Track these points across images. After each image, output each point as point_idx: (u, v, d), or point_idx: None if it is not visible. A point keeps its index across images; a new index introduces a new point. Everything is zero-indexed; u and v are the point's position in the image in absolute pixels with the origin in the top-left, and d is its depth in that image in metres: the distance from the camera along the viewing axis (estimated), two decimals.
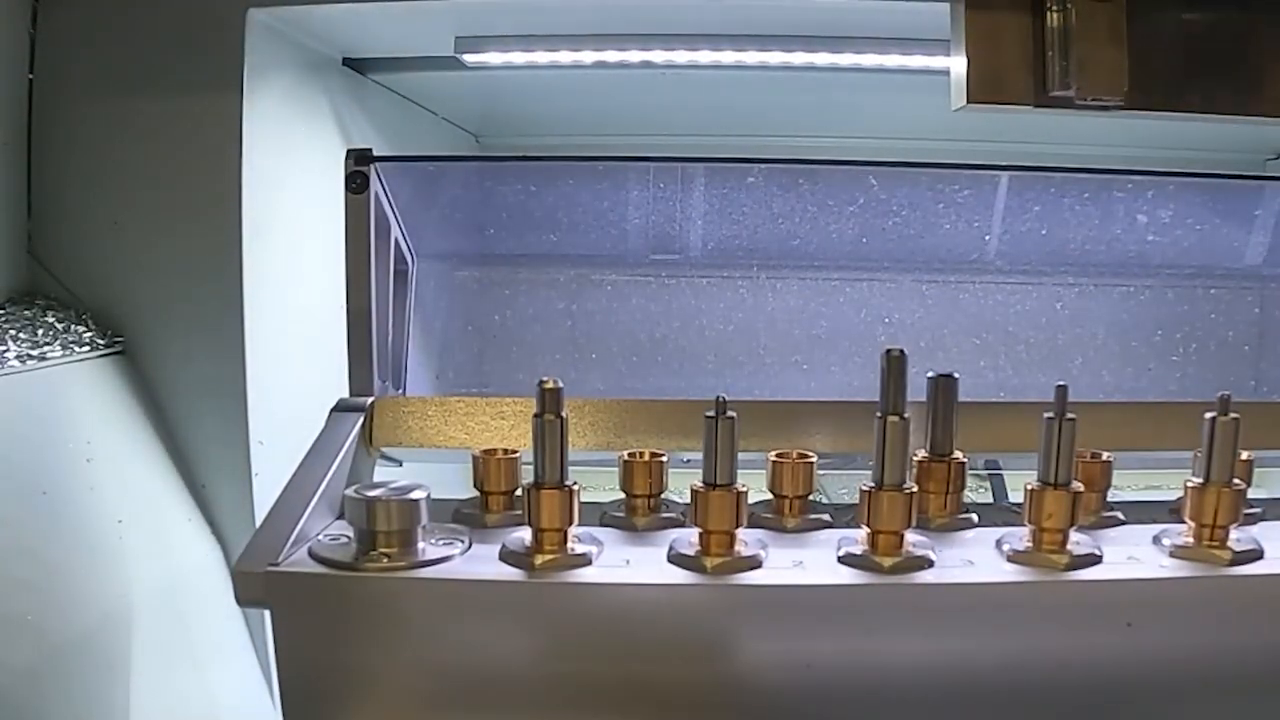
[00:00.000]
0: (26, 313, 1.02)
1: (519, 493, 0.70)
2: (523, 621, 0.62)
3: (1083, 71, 0.71)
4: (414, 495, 0.64)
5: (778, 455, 0.70)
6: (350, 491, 0.64)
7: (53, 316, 1.04)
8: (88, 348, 1.02)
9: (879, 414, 0.64)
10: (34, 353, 0.97)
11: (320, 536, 0.66)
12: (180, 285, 1.03)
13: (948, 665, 0.63)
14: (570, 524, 0.63)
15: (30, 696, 0.80)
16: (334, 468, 0.70)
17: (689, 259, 1.11)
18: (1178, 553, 0.66)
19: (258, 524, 0.98)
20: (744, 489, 0.63)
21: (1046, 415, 0.64)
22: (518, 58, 1.09)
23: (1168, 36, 0.73)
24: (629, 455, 0.70)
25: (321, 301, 1.08)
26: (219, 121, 1.01)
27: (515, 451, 0.70)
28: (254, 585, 0.63)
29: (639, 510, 0.69)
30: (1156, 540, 0.67)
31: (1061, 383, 0.64)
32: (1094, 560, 0.65)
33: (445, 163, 1.14)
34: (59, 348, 0.99)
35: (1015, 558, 0.65)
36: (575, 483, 0.64)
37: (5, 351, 0.93)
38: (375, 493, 0.64)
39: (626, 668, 0.62)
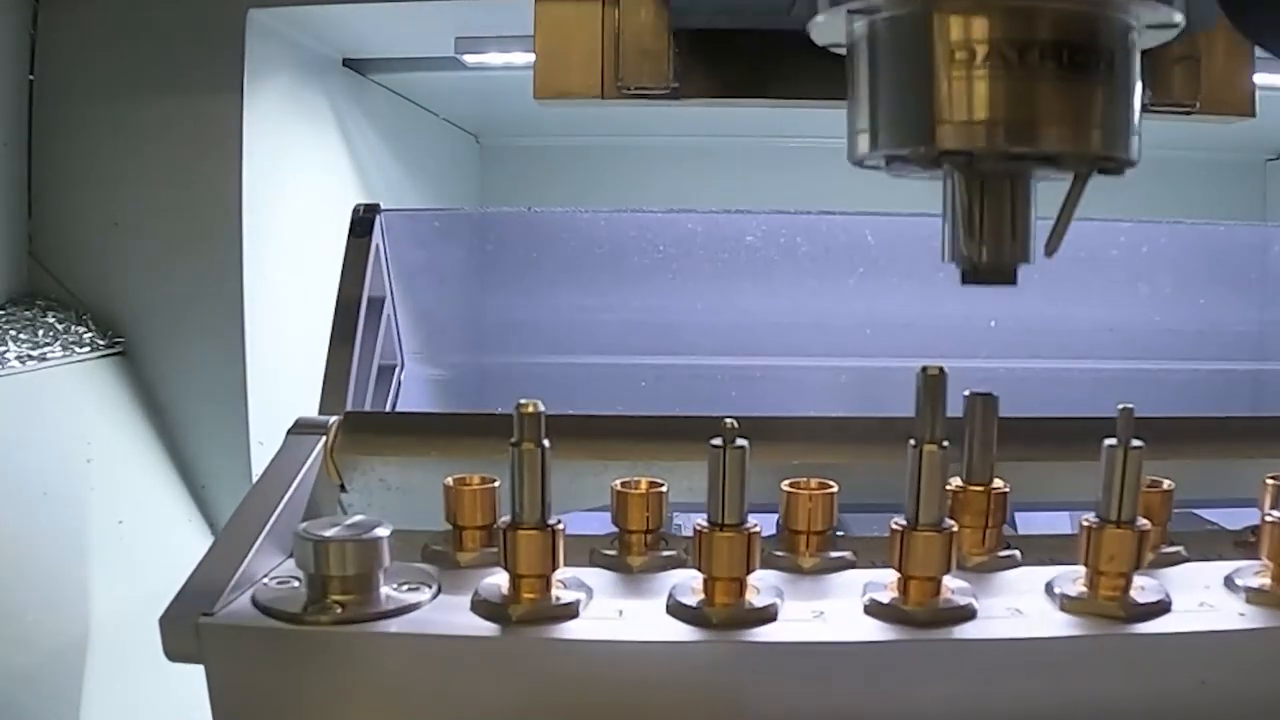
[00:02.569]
0: (26, 313, 0.87)
1: (497, 526, 0.51)
2: (497, 683, 0.43)
3: (630, 62, 0.61)
4: (374, 534, 0.45)
5: (792, 485, 0.50)
6: (301, 529, 0.45)
7: (53, 317, 0.88)
8: (88, 348, 0.86)
9: (913, 442, 0.45)
10: (34, 353, 0.81)
11: (268, 579, 0.48)
12: (180, 285, 0.87)
13: None
14: (553, 569, 0.45)
15: (30, 698, 0.69)
16: (288, 497, 0.51)
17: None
18: (1255, 598, 0.47)
19: None
20: (755, 529, 0.44)
21: (1109, 442, 0.45)
22: (518, 58, 0.91)
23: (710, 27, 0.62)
24: (622, 485, 0.50)
25: (322, 302, 0.91)
26: (219, 121, 0.86)
27: (493, 480, 0.51)
28: (183, 638, 0.44)
29: (634, 548, 0.50)
30: (1230, 582, 0.48)
31: (1127, 404, 0.45)
32: (1162, 609, 0.46)
33: (450, 214, 0.94)
34: (59, 348, 0.84)
35: (1070, 606, 0.46)
36: (559, 521, 0.45)
37: (5, 352, 0.79)
38: (328, 532, 0.45)
39: None
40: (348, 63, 0.97)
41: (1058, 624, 0.45)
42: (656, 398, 0.83)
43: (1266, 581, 0.48)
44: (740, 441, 0.44)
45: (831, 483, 0.50)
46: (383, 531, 0.46)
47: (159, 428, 0.88)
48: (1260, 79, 0.93)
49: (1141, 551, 0.46)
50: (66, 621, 0.73)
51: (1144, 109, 0.70)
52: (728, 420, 0.44)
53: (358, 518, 0.47)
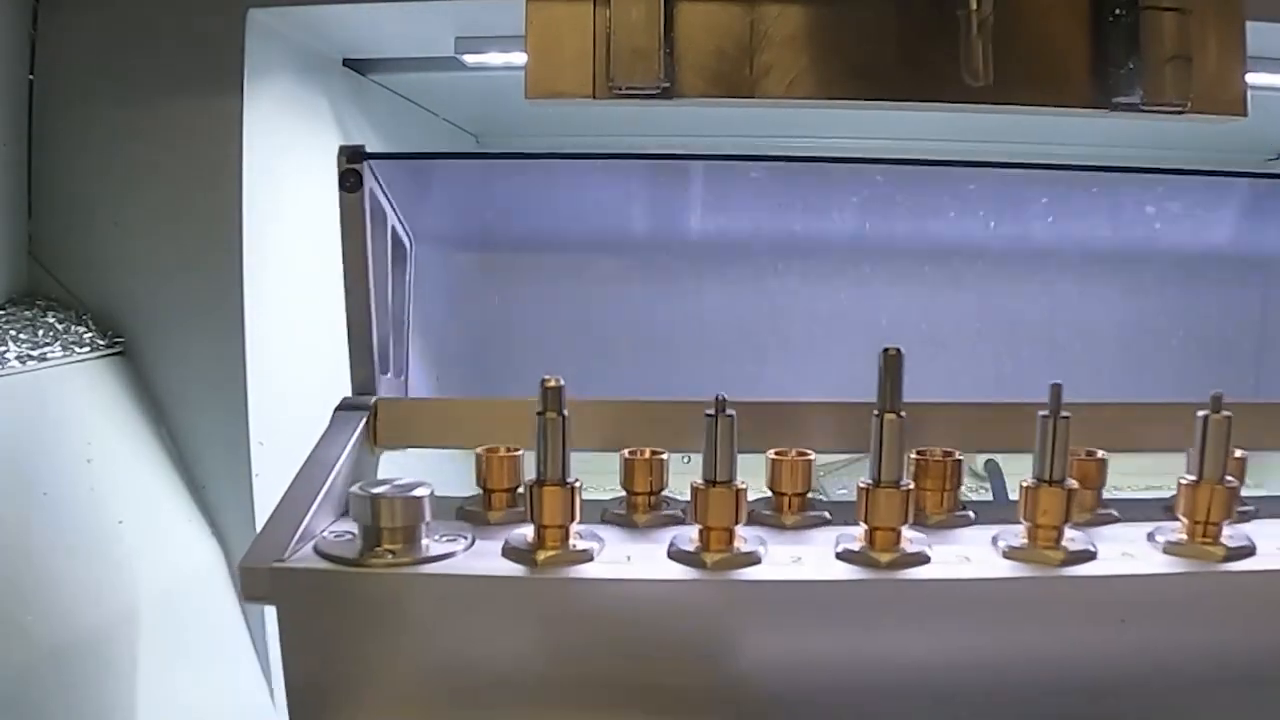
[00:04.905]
0: (26, 313, 1.05)
1: (521, 490, 0.73)
2: (525, 616, 0.65)
3: (621, 62, 0.76)
4: (418, 492, 0.67)
5: (776, 453, 0.73)
6: (355, 489, 0.67)
7: (53, 317, 1.06)
8: (88, 348, 1.05)
9: (876, 412, 0.67)
10: (34, 353, 0.99)
11: (325, 533, 0.69)
12: (180, 285, 1.06)
13: (944, 660, 0.66)
14: (572, 520, 0.66)
15: (29, 698, 0.82)
16: (339, 466, 0.73)
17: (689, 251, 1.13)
18: (1171, 549, 0.69)
19: (258, 525, 1.01)
20: (743, 486, 0.66)
21: (1041, 414, 0.67)
22: (518, 58, 1.11)
23: (712, 24, 0.77)
24: (629, 453, 0.73)
25: (322, 301, 1.11)
26: (219, 121, 1.04)
27: (517, 449, 0.73)
28: (259, 582, 0.65)
29: (639, 508, 0.72)
30: (1151, 537, 0.70)
31: (1056, 381, 0.67)
32: (1088, 556, 0.68)
33: (441, 160, 1.16)
34: (59, 348, 1.02)
35: (1011, 554, 0.68)
36: (577, 480, 0.67)
37: (5, 352, 0.96)
38: (380, 490, 0.67)
39: (627, 661, 0.65)
40: (348, 63, 1.19)
41: (999, 569, 0.67)
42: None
43: (1182, 536, 0.69)
44: (729, 412, 0.65)
45: (809, 451, 0.72)
46: (425, 490, 0.68)
47: (159, 427, 1.07)
48: (1260, 79, 1.12)
49: (1070, 507, 0.68)
50: (66, 621, 0.87)
51: (1136, 109, 0.89)
52: (719, 395, 0.66)
53: (403, 479, 0.68)
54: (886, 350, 0.66)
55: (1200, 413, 0.68)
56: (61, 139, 1.07)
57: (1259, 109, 0.91)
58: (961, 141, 1.27)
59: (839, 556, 0.67)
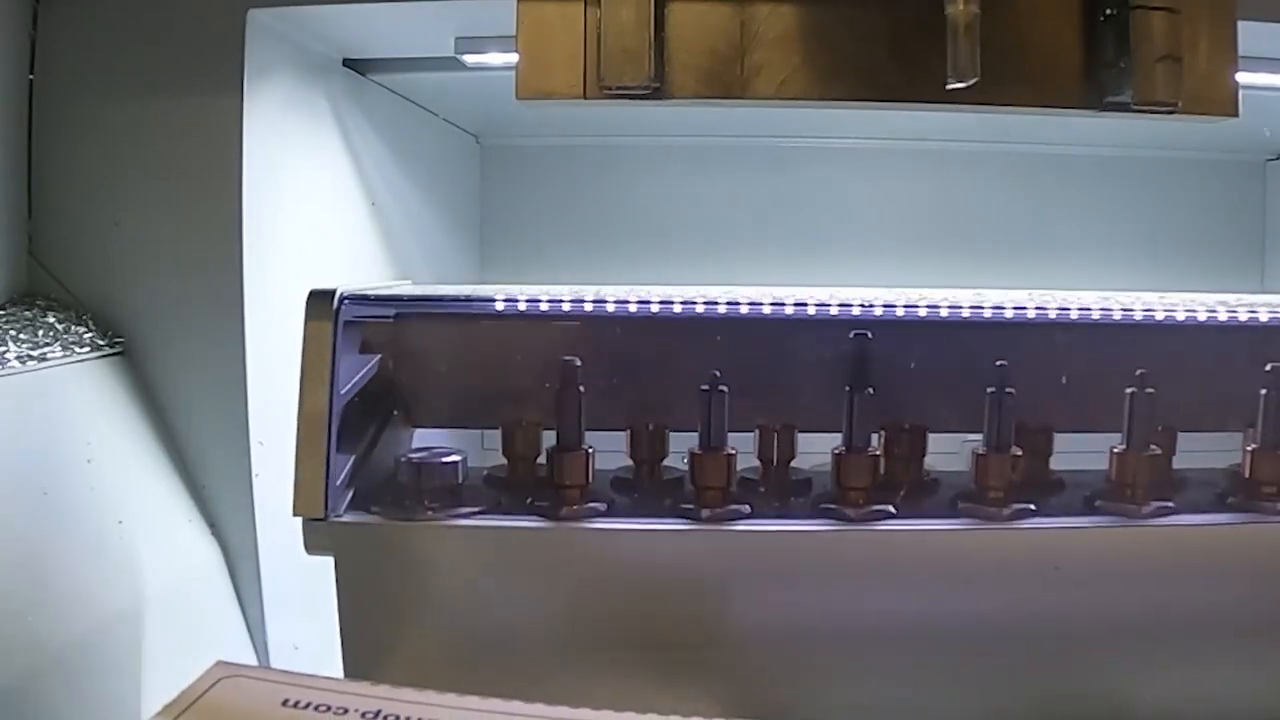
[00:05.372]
0: (26, 313, 1.29)
1: (541, 459, 1.13)
2: (549, 561, 1.05)
3: (611, 62, 0.97)
4: (453, 458, 1.06)
5: (764, 424, 1.13)
6: (401, 456, 1.06)
7: (53, 317, 1.30)
8: (88, 348, 1.29)
9: (848, 388, 1.06)
10: (34, 353, 1.20)
11: None
12: (180, 285, 1.33)
13: (903, 599, 1.06)
14: (587, 480, 1.06)
15: (30, 698, 1.03)
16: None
17: None
18: (1104, 508, 1.08)
19: (258, 525, 1.38)
20: (733, 451, 1.06)
21: (989, 389, 1.07)
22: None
23: (703, 24, 1.01)
24: (635, 426, 1.13)
25: None
26: (219, 121, 1.31)
27: (538, 422, 1.13)
28: (321, 535, 1.04)
29: (644, 474, 1.12)
30: (1087, 499, 1.10)
31: (1002, 361, 1.06)
32: (1030, 513, 1.07)
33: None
34: (59, 348, 1.24)
35: (963, 511, 1.07)
36: (591, 447, 1.06)
37: (5, 352, 1.17)
38: (420, 455, 1.06)
39: (636, 599, 1.05)
40: (348, 63, 1.56)
41: (952, 523, 1.06)
42: None
43: (1111, 497, 1.09)
44: (721, 387, 1.05)
45: (793, 423, 1.12)
46: (459, 456, 1.07)
47: (159, 428, 1.36)
48: (1261, 79, 1.51)
49: (1014, 471, 1.06)
50: (66, 622, 1.07)
51: (1126, 109, 1.21)
52: (713, 372, 1.05)
53: (441, 447, 1.07)
54: (855, 333, 1.06)
55: (1128, 390, 1.08)
56: (61, 140, 1.36)
57: (1259, 110, 1.27)
58: (959, 140, 1.68)
59: (816, 512, 1.06)
